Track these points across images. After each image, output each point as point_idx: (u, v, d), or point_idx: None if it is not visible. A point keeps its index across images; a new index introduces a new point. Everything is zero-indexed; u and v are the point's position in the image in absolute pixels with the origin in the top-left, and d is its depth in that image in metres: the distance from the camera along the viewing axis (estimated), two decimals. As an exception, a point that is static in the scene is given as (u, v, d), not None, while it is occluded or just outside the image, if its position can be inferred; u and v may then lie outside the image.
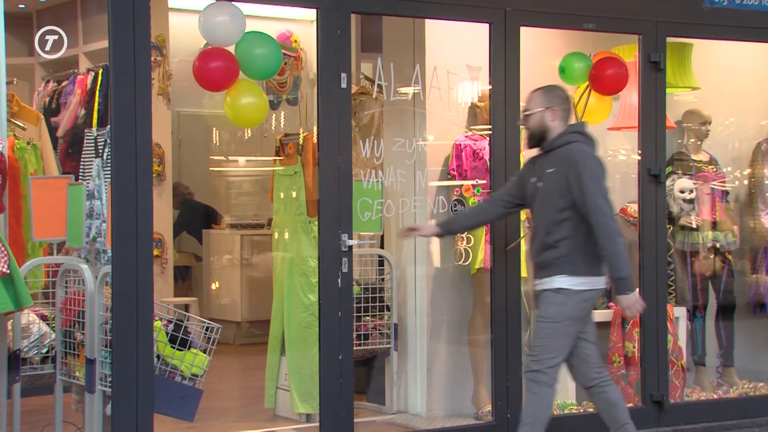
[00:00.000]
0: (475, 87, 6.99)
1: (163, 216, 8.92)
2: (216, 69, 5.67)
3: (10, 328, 5.71)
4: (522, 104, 6.46)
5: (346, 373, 5.97)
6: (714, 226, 7.72)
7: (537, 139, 5.63)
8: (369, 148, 6.48)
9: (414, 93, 6.82)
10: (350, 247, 5.94)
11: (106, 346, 5.56)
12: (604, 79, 6.86)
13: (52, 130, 7.74)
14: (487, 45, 6.44)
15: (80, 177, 6.37)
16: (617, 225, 5.49)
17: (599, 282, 5.56)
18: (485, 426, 6.51)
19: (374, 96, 7.27)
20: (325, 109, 5.93)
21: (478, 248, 6.85)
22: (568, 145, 5.53)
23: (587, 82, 6.96)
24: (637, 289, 5.51)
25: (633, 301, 5.49)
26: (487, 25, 6.44)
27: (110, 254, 5.49)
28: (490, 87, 6.46)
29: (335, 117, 5.94)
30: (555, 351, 5.50)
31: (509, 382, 6.39)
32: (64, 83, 8.12)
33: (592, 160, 5.53)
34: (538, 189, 5.58)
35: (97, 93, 7.49)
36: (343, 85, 5.94)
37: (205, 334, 5.85)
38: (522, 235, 6.62)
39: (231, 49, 5.73)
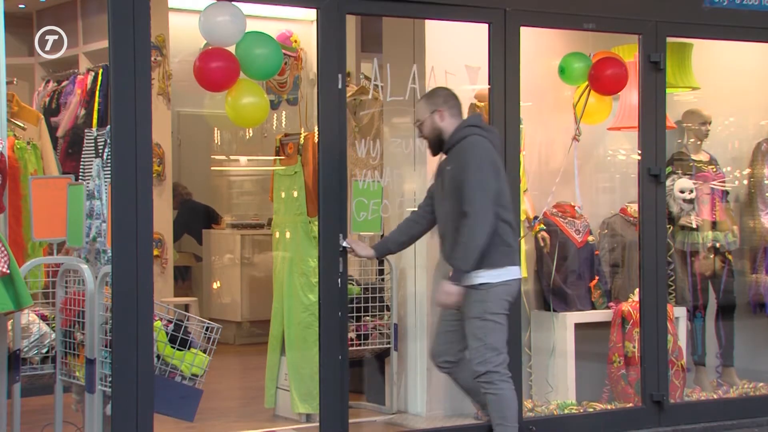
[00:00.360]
0: (475, 87, 6.99)
1: (163, 216, 8.92)
2: (216, 69, 5.68)
3: (10, 328, 5.71)
4: (522, 103, 6.49)
5: (345, 373, 5.97)
6: (714, 226, 7.72)
7: (437, 143, 5.67)
8: (368, 148, 6.48)
9: (414, 93, 6.80)
10: (344, 248, 5.93)
11: (106, 346, 5.56)
12: (604, 79, 6.86)
13: (52, 130, 7.74)
14: (487, 45, 6.44)
15: (80, 177, 6.37)
16: (488, 219, 5.37)
17: (515, 271, 5.56)
18: (485, 426, 6.50)
19: (374, 96, 7.26)
20: (325, 109, 5.93)
21: (478, 248, 6.83)
22: (464, 139, 5.54)
23: (587, 82, 6.96)
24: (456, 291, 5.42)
25: (453, 292, 5.40)
26: (486, 25, 6.43)
27: (110, 254, 5.49)
28: (490, 87, 6.45)
29: (335, 117, 5.94)
30: (497, 347, 5.49)
31: (509, 382, 6.38)
32: (64, 83, 8.12)
33: (481, 151, 5.49)
34: (442, 189, 5.61)
35: (97, 93, 7.49)
36: (340, 86, 5.94)
37: (205, 334, 5.85)
38: (522, 235, 6.63)
39: (231, 49, 5.73)
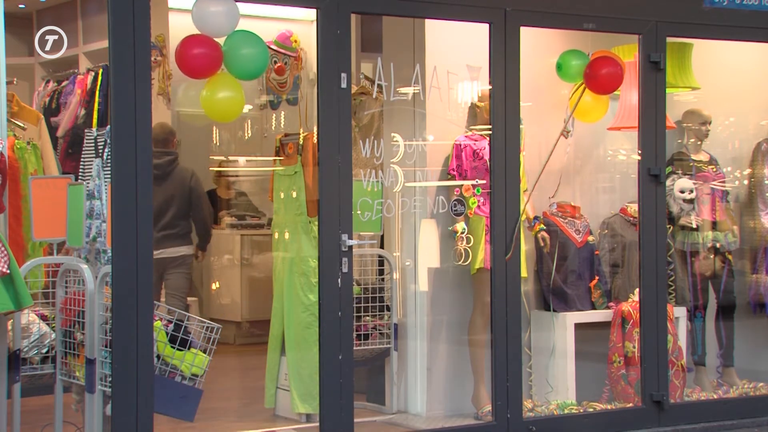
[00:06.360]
0: (475, 87, 6.99)
1: (163, 216, 8.89)
2: (199, 56, 5.65)
3: (10, 328, 5.71)
4: (522, 104, 6.49)
5: (346, 373, 5.96)
6: (714, 226, 7.72)
7: None
8: (369, 148, 6.48)
9: (414, 93, 6.81)
10: (350, 247, 5.93)
11: (106, 346, 5.56)
12: (599, 78, 6.85)
13: (52, 130, 7.74)
14: (487, 45, 6.44)
15: (80, 177, 6.37)
16: None
17: None
18: (485, 426, 6.51)
19: (374, 96, 7.27)
20: (325, 109, 5.93)
21: (478, 248, 6.85)
22: None
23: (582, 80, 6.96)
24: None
25: None
26: (487, 25, 6.43)
27: (110, 254, 5.49)
28: (490, 87, 6.46)
29: (335, 117, 5.94)
30: None
31: (509, 382, 6.39)
32: (64, 83, 8.12)
33: None
34: None
35: (97, 93, 7.49)
36: (343, 85, 5.94)
37: (205, 334, 5.85)
38: (521, 234, 6.63)
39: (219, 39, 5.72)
